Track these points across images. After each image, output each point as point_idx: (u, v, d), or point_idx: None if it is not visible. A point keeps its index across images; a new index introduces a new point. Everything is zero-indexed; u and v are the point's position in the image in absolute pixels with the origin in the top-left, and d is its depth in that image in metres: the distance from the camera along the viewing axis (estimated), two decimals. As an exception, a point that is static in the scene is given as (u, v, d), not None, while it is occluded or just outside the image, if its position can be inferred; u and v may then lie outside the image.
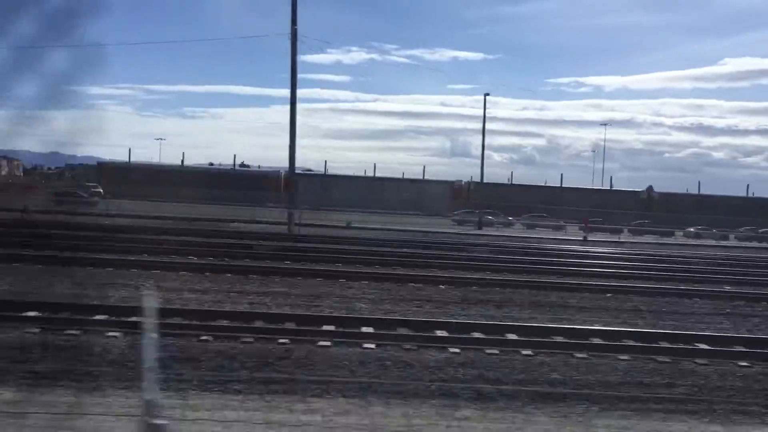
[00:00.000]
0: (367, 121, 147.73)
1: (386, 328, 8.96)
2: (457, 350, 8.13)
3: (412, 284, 13.62)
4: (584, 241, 30.92)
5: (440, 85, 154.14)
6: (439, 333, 8.88)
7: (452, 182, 62.43)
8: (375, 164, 65.45)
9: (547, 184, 65.67)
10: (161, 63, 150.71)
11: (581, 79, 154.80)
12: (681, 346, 8.71)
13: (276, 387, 6.92)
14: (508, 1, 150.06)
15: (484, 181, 62.46)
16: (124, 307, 9.27)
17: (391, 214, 48.51)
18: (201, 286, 12.19)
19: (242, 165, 72.29)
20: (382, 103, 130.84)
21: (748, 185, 63.13)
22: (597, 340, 8.81)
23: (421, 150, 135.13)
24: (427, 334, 8.78)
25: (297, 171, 64.04)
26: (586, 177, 79.17)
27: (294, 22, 28.68)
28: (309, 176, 61.52)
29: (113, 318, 8.76)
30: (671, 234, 44.55)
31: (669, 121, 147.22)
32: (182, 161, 66.05)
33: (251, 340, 8.12)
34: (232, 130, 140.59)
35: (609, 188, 66.25)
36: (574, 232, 41.34)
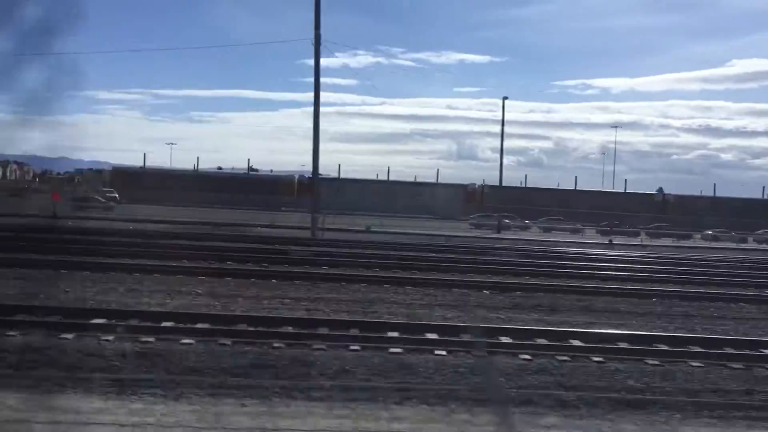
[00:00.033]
0: (374, 124, 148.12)
1: (450, 335, 9.00)
2: (527, 357, 8.16)
3: (456, 289, 13.65)
4: (610, 245, 30.86)
5: (447, 88, 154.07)
6: (504, 339, 8.91)
7: (465, 185, 62.44)
8: (388, 168, 65.56)
9: (560, 187, 65.66)
10: (169, 68, 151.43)
11: (588, 82, 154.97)
12: (747, 352, 8.72)
13: (357, 394, 6.96)
14: (515, 4, 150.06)
15: (496, 184, 62.62)
16: (193, 314, 9.35)
17: (406, 217, 48.56)
18: (251, 292, 12.26)
19: (251, 169, 72.53)
20: (388, 106, 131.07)
21: (764, 187, 63.01)
22: (663, 347, 8.83)
23: (428, 153, 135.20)
24: (492, 341, 8.81)
25: (306, 175, 64.67)
26: (593, 179, 79.09)
27: (317, 26, 28.84)
28: (324, 180, 61.59)
29: (181, 325, 8.81)
30: (689, 237, 44.43)
31: (677, 123, 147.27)
32: (196, 166, 66.20)
33: (323, 347, 8.17)
34: (240, 134, 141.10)
35: (623, 191, 66.09)
36: (592, 236, 41.34)
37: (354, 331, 9.00)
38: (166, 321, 8.97)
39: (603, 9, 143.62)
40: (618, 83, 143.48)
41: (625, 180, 71.65)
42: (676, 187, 72.16)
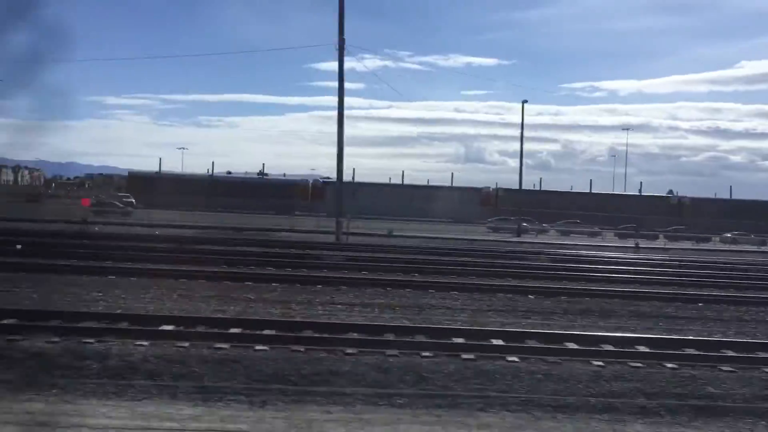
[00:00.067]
0: (381, 128, 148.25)
1: (516, 341, 9.02)
2: (600, 363, 8.18)
3: (502, 294, 13.68)
4: (636, 249, 30.81)
5: (454, 91, 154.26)
6: (571, 345, 8.92)
7: (480, 189, 62.41)
8: (402, 171, 65.60)
9: (574, 190, 65.47)
10: (177, 73, 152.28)
11: (596, 84, 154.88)
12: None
13: (439, 401, 6.99)
14: (522, 7, 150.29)
15: (509, 187, 62.50)
16: (258, 320, 9.43)
17: (422, 221, 48.61)
18: (301, 297, 12.31)
19: (261, 173, 72.68)
20: (395, 109, 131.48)
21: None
22: (730, 353, 8.82)
23: (435, 156, 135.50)
24: (558, 347, 8.83)
25: (313, 178, 64.77)
26: (601, 182, 78.74)
27: (341, 32, 28.93)
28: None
29: (248, 332, 8.86)
30: (708, 240, 44.27)
31: (685, 125, 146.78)
32: (211, 171, 66.46)
33: (395, 353, 8.21)
34: (247, 138, 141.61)
35: (637, 193, 65.87)
36: (612, 239, 41.26)
37: (420, 338, 9.04)
38: (233, 327, 9.02)
39: (610, 11, 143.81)
40: (626, 85, 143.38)
41: (641, 183, 71.21)
42: (685, 189, 71.86)
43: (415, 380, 7.54)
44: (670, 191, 71.95)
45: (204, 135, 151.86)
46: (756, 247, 40.46)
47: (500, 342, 8.95)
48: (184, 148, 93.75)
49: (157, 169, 67.59)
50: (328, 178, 68.53)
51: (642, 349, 8.87)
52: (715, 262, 24.68)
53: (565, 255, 23.96)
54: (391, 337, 8.97)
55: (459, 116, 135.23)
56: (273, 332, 8.91)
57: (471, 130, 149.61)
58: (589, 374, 7.83)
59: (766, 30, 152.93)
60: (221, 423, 6.23)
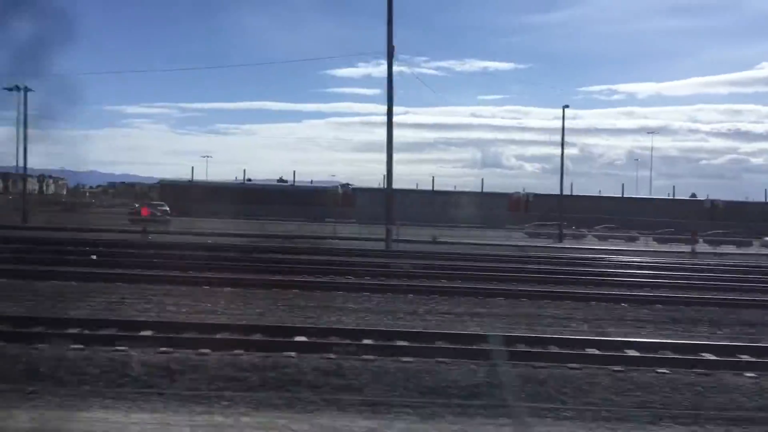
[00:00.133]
0: (398, 133, 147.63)
1: (651, 351, 8.95)
2: (752, 375, 8.09)
3: (594, 302, 13.60)
4: (693, 254, 30.53)
5: (471, 96, 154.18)
6: (708, 356, 8.83)
7: (510, 194, 62.16)
8: (433, 177, 65.50)
9: (604, 194, 64.98)
10: (195, 81, 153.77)
11: (613, 87, 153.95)
12: None
13: (606, 414, 6.91)
14: (538, 10, 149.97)
15: (538, 192, 62.20)
16: (388, 331, 9.46)
17: (455, 227, 48.45)
18: (399, 306, 12.31)
19: (280, 180, 72.95)
20: (412, 115, 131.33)
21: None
22: None
23: (452, 162, 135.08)
24: (694, 358, 8.75)
25: (341, 185, 64.90)
26: (620, 186, 77.93)
27: (390, 39, 28.99)
28: (371, 191, 61.85)
29: (347, 341, 8.88)
30: (749, 244, 43.70)
31: (705, 128, 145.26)
32: (243, 178, 66.82)
33: (543, 365, 8.18)
34: (265, 145, 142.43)
35: (669, 197, 65.28)
36: (654, 244, 40.88)
37: (553, 348, 9.00)
38: (365, 338, 9.04)
39: (628, 13, 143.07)
40: (644, 88, 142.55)
41: (673, 186, 70.54)
42: (705, 192, 70.99)
43: (574, 392, 7.50)
44: (693, 194, 71.24)
45: (221, 142, 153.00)
46: (801, 250, 39.88)
47: (635, 353, 8.89)
48: (208, 156, 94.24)
49: (179, 176, 68.13)
50: (348, 184, 68.70)
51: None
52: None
53: (625, 262, 23.76)
54: (522, 347, 8.94)
55: (476, 121, 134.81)
56: (406, 343, 8.93)
57: (488, 135, 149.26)
58: (749, 386, 7.74)
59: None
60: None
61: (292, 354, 8.22)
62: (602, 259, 24.55)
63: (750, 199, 63.05)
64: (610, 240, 44.08)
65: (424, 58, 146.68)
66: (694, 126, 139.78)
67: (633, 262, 23.17)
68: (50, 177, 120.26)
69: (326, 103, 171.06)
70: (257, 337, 8.98)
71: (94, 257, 18.38)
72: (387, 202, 30.81)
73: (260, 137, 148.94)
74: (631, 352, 8.92)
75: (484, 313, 12.02)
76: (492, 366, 8.17)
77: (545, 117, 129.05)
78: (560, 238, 39.65)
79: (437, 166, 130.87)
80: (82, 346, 8.17)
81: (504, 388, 7.59)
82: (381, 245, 29.08)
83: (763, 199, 61.20)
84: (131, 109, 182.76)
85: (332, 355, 8.25)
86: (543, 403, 7.20)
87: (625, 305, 13.51)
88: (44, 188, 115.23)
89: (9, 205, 62.77)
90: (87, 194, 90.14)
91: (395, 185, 67.01)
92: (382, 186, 64.00)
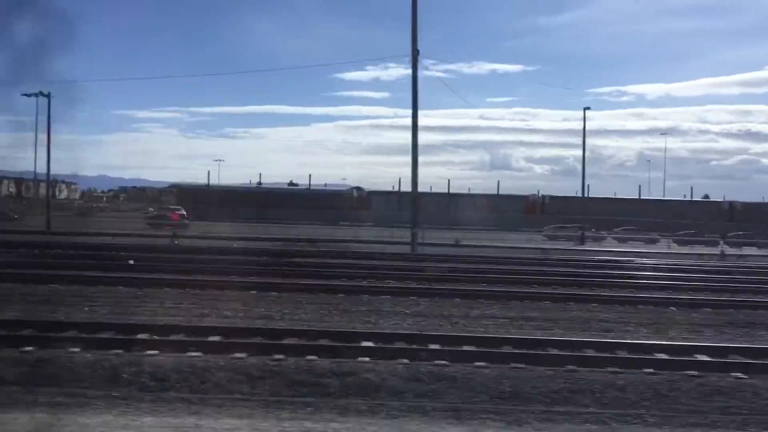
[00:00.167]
0: (407, 136, 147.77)
1: (720, 356, 8.90)
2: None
3: (642, 306, 13.55)
4: (724, 256, 30.36)
5: (479, 98, 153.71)
6: (776, 360, 8.78)
7: (527, 196, 62.02)
8: (448, 180, 65.51)
9: (620, 196, 64.70)
10: (204, 85, 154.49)
11: (622, 88, 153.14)
12: None
13: (693, 420, 6.89)
14: (546, 12, 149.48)
15: (556, 195, 62.05)
16: (456, 336, 9.44)
17: (472, 230, 48.32)
18: (450, 311, 12.30)
19: (291, 183, 73.06)
20: (422, 118, 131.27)
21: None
22: None
23: (460, 164, 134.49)
24: (764, 362, 8.69)
25: (354, 188, 64.94)
26: (630, 187, 77.69)
27: (414, 42, 29.03)
28: (385, 194, 61.93)
29: (414, 346, 8.87)
30: (772, 245, 43.39)
31: (715, 128, 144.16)
32: (259, 182, 67.02)
33: (618, 369, 8.16)
34: (274, 149, 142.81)
35: (686, 199, 64.92)
36: (676, 247, 40.63)
37: (622, 353, 8.97)
38: (432, 343, 9.03)
39: (636, 14, 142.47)
40: (653, 89, 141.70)
41: (691, 188, 69.96)
42: (715, 193, 70.67)
43: (654, 397, 7.46)
44: (706, 195, 70.82)
45: (231, 146, 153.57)
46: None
47: (705, 357, 8.84)
48: (221, 160, 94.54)
49: (188, 180, 68.48)
50: (360, 187, 68.73)
51: None
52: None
53: (658, 265, 23.56)
54: (591, 352, 8.91)
55: (484, 123, 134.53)
56: (474, 348, 8.91)
57: (496, 137, 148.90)
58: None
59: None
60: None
61: (366, 359, 8.21)
62: (632, 262, 24.42)
63: (766, 200, 62.66)
64: (629, 242, 43.88)
65: (432, 61, 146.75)
66: (704, 127, 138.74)
67: (665, 265, 23.02)
68: (62, 181, 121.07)
69: (335, 107, 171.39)
70: (325, 342, 8.99)
71: (132, 262, 18.48)
72: (412, 206, 30.86)
73: (269, 141, 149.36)
74: (701, 356, 8.87)
75: (537, 317, 11.99)
76: (568, 371, 8.16)
77: (554, 119, 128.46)
78: (582, 240, 39.49)
79: (446, 169, 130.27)
80: (156, 352, 8.20)
81: (584, 394, 7.58)
82: (405, 248, 29.06)
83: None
84: (142, 114, 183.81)
85: (405, 360, 8.23)
86: (626, 409, 7.17)
87: (674, 309, 13.45)
88: (56, 193, 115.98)
89: (25, 210, 63.18)
90: (104, 198, 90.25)
91: (406, 188, 66.90)
92: (396, 189, 64.46)
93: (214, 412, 6.67)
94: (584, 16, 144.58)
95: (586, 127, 48.40)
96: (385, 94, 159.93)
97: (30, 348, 8.17)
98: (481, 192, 65.49)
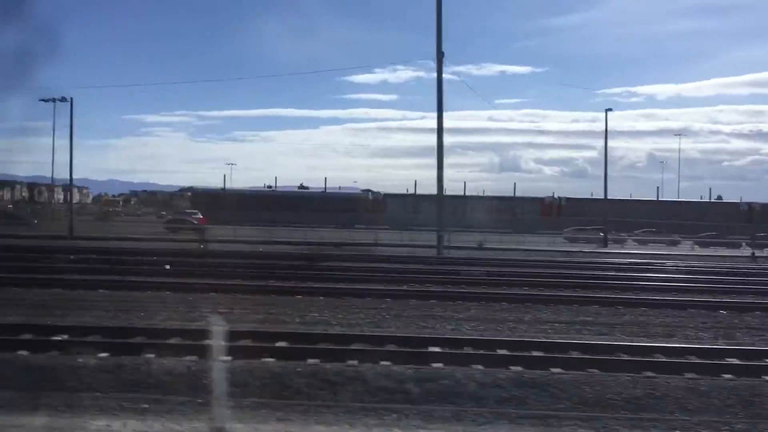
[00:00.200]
0: (415, 138, 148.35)
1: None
2: None
3: (693, 310, 13.43)
4: (753, 258, 30.17)
5: (488, 100, 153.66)
6: None
7: (543, 198, 61.87)
8: (464, 182, 65.44)
9: (637, 198, 64.44)
10: (213, 89, 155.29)
11: (633, 89, 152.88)
12: None
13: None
14: (556, 13, 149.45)
15: (573, 197, 61.86)
16: (524, 342, 9.43)
17: (489, 232, 48.18)
18: (504, 315, 12.23)
19: (301, 186, 73.14)
20: (429, 120, 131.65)
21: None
22: None
23: (469, 166, 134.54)
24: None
25: (368, 191, 64.95)
26: (641, 188, 77.32)
27: (439, 45, 29.01)
28: (400, 197, 61.90)
29: (483, 351, 8.79)
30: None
31: (727, 129, 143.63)
32: (275, 185, 67.17)
33: (652, 374, 8.10)
34: (282, 152, 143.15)
35: (704, 200, 64.61)
36: (698, 249, 40.42)
37: (693, 358, 8.87)
38: (499, 349, 8.96)
39: (645, 15, 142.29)
40: (664, 90, 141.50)
41: (710, 189, 69.62)
42: (728, 193, 70.19)
43: (742, 404, 7.36)
44: (719, 197, 70.46)
45: (239, 150, 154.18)
46: None
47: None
48: (233, 164, 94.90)
49: (197, 183, 68.75)
50: (369, 190, 68.77)
51: None
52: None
53: (693, 268, 23.42)
54: (625, 356, 8.84)
55: (493, 125, 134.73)
56: (542, 353, 8.84)
57: (505, 139, 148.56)
58: None
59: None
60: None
61: (440, 365, 8.15)
62: (665, 264, 24.24)
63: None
64: (650, 244, 43.66)
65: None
66: (714, 127, 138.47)
67: (699, 267, 22.89)
68: (75, 186, 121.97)
69: (343, 109, 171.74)
70: (392, 347, 8.93)
71: (168, 267, 18.50)
72: (438, 209, 30.79)
73: (278, 144, 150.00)
74: (772, 361, 8.77)
75: (592, 322, 11.89)
76: (646, 378, 8.07)
77: (564, 120, 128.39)
78: (605, 242, 39.30)
79: (454, 171, 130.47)
80: (230, 357, 8.16)
81: (667, 400, 7.49)
82: (430, 252, 29.01)
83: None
84: (151, 118, 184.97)
85: (480, 366, 8.16)
86: (713, 416, 7.07)
87: (724, 312, 13.33)
88: (68, 197, 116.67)
89: (39, 215, 63.62)
90: (121, 203, 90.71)
91: (419, 191, 66.70)
92: (411, 191, 64.54)
93: (300, 418, 6.61)
94: (593, 17, 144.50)
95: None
96: (393, 97, 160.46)
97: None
98: (493, 194, 65.57)
